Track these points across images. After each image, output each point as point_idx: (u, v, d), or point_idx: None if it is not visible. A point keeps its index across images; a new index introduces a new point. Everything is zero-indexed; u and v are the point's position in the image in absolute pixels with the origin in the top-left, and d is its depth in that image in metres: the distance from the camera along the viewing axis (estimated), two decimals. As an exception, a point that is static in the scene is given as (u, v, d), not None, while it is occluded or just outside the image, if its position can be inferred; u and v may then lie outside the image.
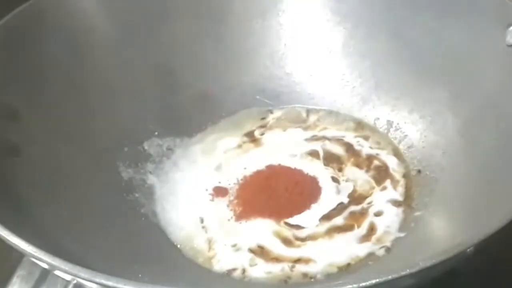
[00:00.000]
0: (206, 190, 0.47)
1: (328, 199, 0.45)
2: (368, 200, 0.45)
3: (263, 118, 0.54)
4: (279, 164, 0.49)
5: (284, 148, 0.50)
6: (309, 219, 0.44)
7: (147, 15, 0.52)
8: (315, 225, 0.43)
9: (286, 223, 0.44)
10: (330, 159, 0.49)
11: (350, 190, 0.46)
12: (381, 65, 0.52)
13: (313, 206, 0.45)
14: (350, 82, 0.54)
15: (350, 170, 0.48)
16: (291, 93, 0.55)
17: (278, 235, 0.43)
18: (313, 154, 0.49)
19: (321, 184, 0.46)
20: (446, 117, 0.47)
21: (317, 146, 0.50)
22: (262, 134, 0.52)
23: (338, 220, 0.44)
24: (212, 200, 0.47)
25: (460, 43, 0.46)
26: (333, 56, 0.54)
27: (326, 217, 0.44)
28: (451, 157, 0.45)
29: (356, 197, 0.45)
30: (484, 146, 0.42)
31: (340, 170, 0.48)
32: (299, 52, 0.55)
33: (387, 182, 0.46)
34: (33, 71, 0.44)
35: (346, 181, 0.47)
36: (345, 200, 0.45)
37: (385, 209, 0.44)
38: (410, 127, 0.50)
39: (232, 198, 0.46)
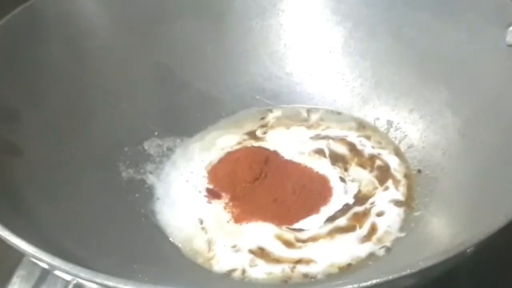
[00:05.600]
0: (200, 192, 0.47)
1: (337, 200, 0.45)
2: (371, 200, 0.45)
3: (263, 118, 0.54)
4: (286, 160, 0.48)
5: (290, 145, 0.50)
6: (314, 221, 0.44)
7: (147, 15, 0.52)
8: (318, 227, 0.43)
9: (289, 228, 0.43)
10: (336, 159, 0.49)
11: (355, 190, 0.46)
12: (381, 65, 0.52)
13: (322, 209, 0.44)
14: (350, 82, 0.54)
15: (355, 170, 0.48)
16: (291, 93, 0.55)
17: (279, 237, 0.43)
18: (320, 152, 0.49)
19: (332, 184, 0.46)
20: (446, 117, 0.47)
21: (322, 144, 0.50)
22: (265, 133, 0.52)
23: (342, 221, 0.44)
24: (209, 202, 0.46)
25: (460, 43, 0.46)
26: (333, 56, 0.54)
27: (331, 218, 0.44)
28: (451, 157, 0.45)
29: (360, 198, 0.45)
30: (484, 146, 0.42)
31: (346, 169, 0.48)
32: (299, 52, 0.55)
33: (389, 182, 0.46)
34: (33, 71, 0.44)
35: (352, 181, 0.47)
36: (351, 200, 0.45)
37: (387, 209, 0.44)
38: (410, 127, 0.50)
39: (227, 200, 0.46)
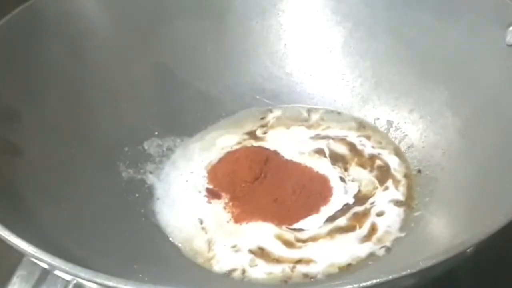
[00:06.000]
0: (200, 192, 0.47)
1: (337, 200, 0.45)
2: (371, 200, 0.45)
3: (263, 118, 0.54)
4: (286, 160, 0.48)
5: (290, 145, 0.50)
6: (314, 221, 0.44)
7: (147, 15, 0.52)
8: (318, 227, 0.43)
9: (289, 228, 0.43)
10: (336, 158, 0.49)
11: (355, 190, 0.46)
12: (381, 65, 0.52)
13: (322, 208, 0.44)
14: (350, 82, 0.54)
15: (355, 170, 0.48)
16: (291, 93, 0.55)
17: (279, 237, 0.43)
18: (320, 152, 0.49)
19: (332, 184, 0.46)
20: (446, 117, 0.47)
21: (322, 144, 0.50)
22: (265, 133, 0.52)
23: (341, 221, 0.44)
24: (209, 202, 0.46)
25: (460, 43, 0.46)
26: (333, 56, 0.54)
27: (331, 218, 0.44)
28: (451, 157, 0.45)
29: (360, 198, 0.45)
30: (484, 146, 0.42)
31: (346, 169, 0.48)
32: (299, 52, 0.55)
33: (389, 182, 0.46)
34: (33, 71, 0.44)
35: (352, 181, 0.47)
36: (351, 200, 0.45)
37: (387, 209, 0.44)
38: (410, 127, 0.50)
39: (227, 200, 0.46)
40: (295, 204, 0.44)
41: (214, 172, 0.48)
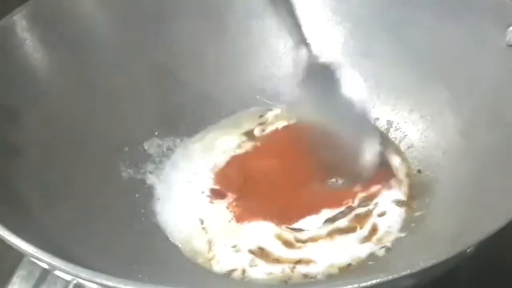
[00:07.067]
0: (203, 192, 0.47)
1: (339, 200, 0.45)
2: (374, 201, 0.45)
3: (261, 116, 0.54)
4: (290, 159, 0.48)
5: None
6: (313, 222, 0.44)
7: (147, 15, 0.52)
8: (318, 227, 0.43)
9: (289, 227, 0.43)
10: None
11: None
12: (381, 65, 0.52)
13: (323, 210, 0.44)
14: (350, 82, 0.53)
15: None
16: (291, 93, 0.55)
17: (279, 237, 0.43)
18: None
19: None
20: (446, 117, 0.47)
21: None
22: (263, 131, 0.52)
23: (342, 223, 0.43)
24: (212, 202, 0.46)
25: (460, 43, 0.46)
26: (333, 56, 0.54)
27: (331, 219, 0.44)
28: (451, 157, 0.45)
29: (362, 198, 0.45)
30: (484, 146, 0.42)
31: None
32: (299, 52, 0.55)
33: (392, 181, 0.46)
34: (33, 71, 0.44)
35: (353, 180, 0.47)
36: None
37: (388, 209, 0.44)
38: (410, 127, 0.50)
39: (231, 200, 0.46)
40: (295, 204, 0.44)
41: (223, 171, 0.48)
